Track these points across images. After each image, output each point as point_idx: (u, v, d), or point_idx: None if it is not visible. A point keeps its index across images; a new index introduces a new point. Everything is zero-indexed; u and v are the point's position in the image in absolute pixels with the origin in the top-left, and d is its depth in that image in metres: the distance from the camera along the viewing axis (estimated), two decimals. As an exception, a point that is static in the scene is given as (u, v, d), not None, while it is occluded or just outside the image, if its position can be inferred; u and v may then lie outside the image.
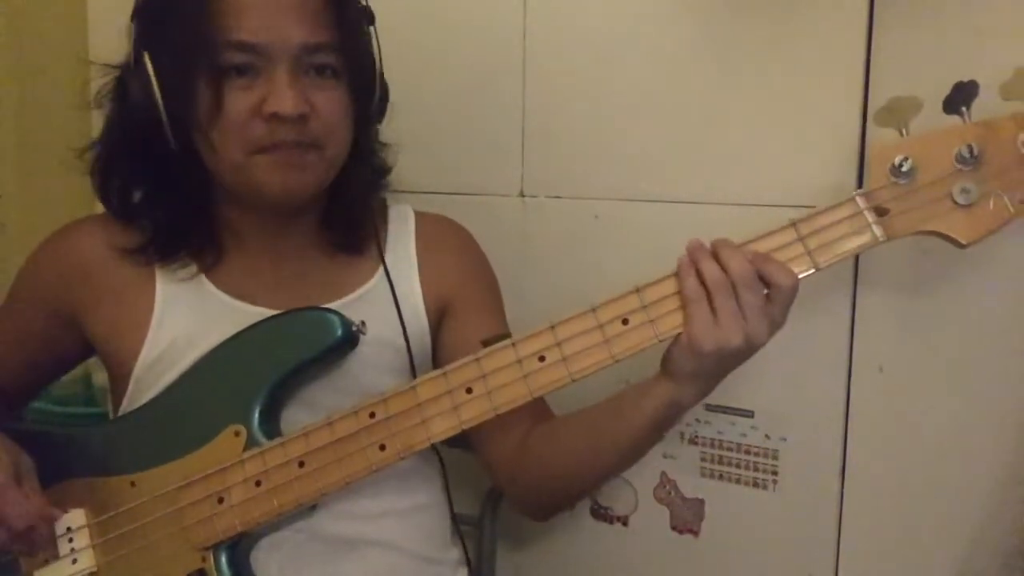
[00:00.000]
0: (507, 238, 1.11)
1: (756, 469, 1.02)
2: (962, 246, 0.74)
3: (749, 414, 1.02)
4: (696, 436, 1.05)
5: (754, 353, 0.75)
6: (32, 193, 1.30)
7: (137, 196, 0.90)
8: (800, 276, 0.74)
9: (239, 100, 0.79)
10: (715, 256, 0.74)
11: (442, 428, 0.78)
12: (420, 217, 0.98)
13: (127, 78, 0.84)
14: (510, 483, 0.93)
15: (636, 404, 0.79)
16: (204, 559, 0.81)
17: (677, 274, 0.75)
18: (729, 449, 1.03)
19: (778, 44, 0.95)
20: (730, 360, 0.75)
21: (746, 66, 0.97)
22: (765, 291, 0.73)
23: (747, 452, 1.02)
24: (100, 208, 0.93)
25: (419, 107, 1.15)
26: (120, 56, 0.86)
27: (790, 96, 0.95)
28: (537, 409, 0.90)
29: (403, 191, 1.00)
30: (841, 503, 0.98)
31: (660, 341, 0.75)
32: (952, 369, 0.91)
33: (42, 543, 0.83)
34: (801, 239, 0.74)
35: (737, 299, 0.72)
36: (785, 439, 1.00)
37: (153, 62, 0.80)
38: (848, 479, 0.97)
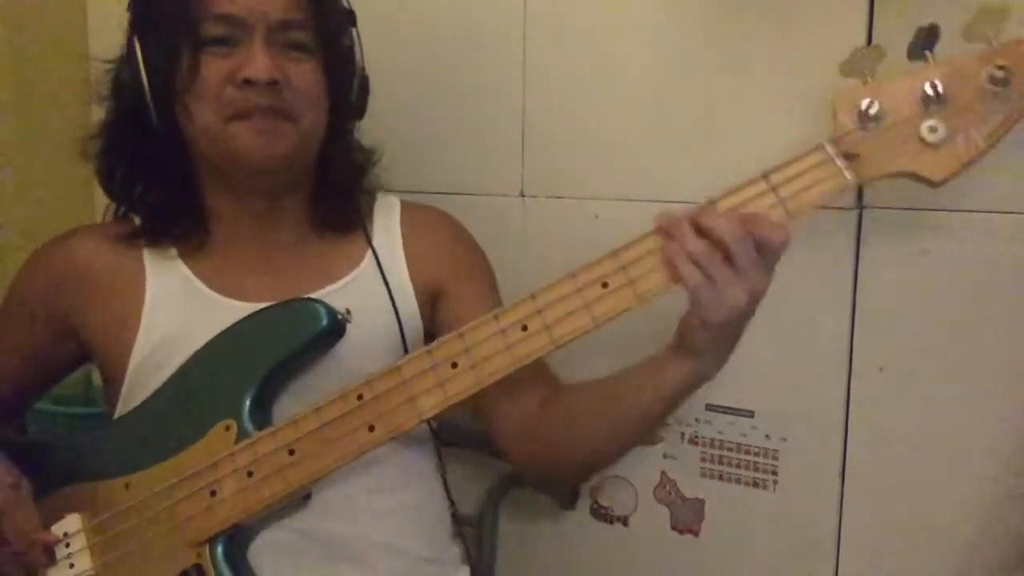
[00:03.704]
0: (507, 238, 1.12)
1: (756, 469, 1.02)
2: (934, 184, 0.73)
3: (749, 414, 1.01)
4: (696, 436, 1.05)
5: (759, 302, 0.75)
6: (31, 192, 1.30)
7: (139, 189, 0.92)
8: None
9: (215, 67, 0.83)
10: (698, 227, 0.73)
11: (429, 404, 0.78)
12: (406, 206, 1.00)
13: (121, 67, 0.88)
14: (522, 457, 0.93)
15: (657, 380, 0.80)
16: (199, 554, 0.81)
17: (669, 263, 0.74)
18: (729, 449, 1.03)
19: (779, 45, 0.95)
20: (743, 319, 0.75)
21: (746, 66, 0.97)
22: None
23: (747, 452, 1.02)
24: (99, 208, 0.93)
25: (419, 107, 1.15)
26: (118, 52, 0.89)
27: (791, 96, 0.95)
28: (545, 381, 0.91)
29: (403, 191, 1.01)
30: (841, 503, 0.97)
31: (640, 303, 0.75)
32: (952, 369, 0.91)
33: (39, 565, 0.84)
34: (773, 189, 0.74)
35: (732, 260, 0.72)
36: (785, 439, 1.00)
37: (141, 44, 0.85)
38: (848, 479, 0.97)
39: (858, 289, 0.94)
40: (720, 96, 0.99)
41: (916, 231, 0.90)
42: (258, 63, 0.82)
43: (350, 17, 0.92)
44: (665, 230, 0.74)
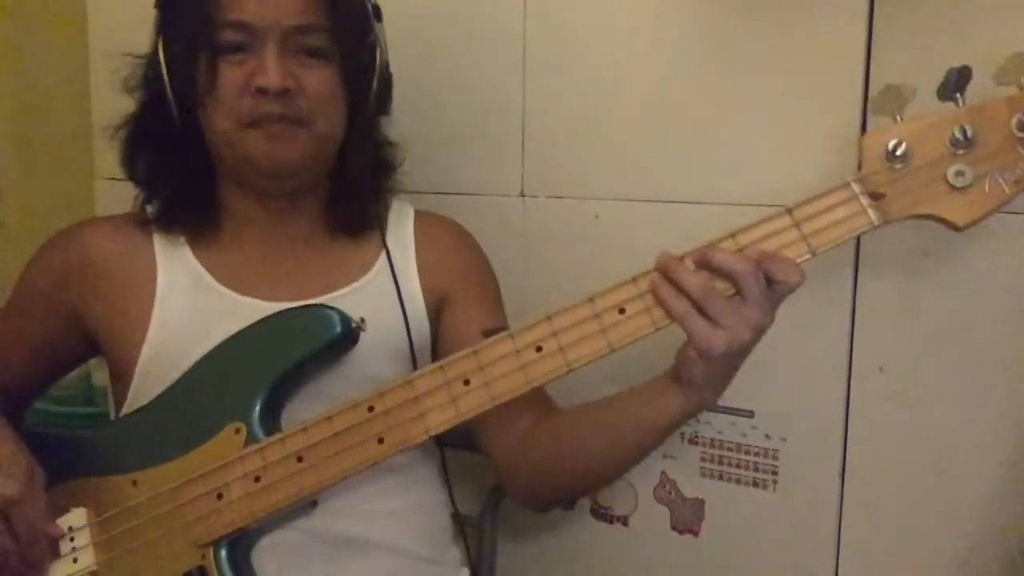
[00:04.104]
0: (507, 238, 1.11)
1: (756, 469, 1.02)
2: (958, 228, 0.74)
3: (749, 414, 1.02)
4: (696, 436, 1.05)
5: (763, 335, 0.75)
6: (32, 191, 1.30)
7: (159, 178, 0.93)
8: (797, 262, 0.74)
9: (231, 75, 0.83)
10: (706, 263, 0.73)
11: (440, 420, 0.78)
12: (419, 214, 1.00)
13: (148, 63, 0.89)
14: (513, 476, 0.93)
15: (653, 410, 0.80)
16: (204, 556, 0.81)
17: (655, 294, 0.74)
18: (729, 449, 1.03)
19: (778, 44, 0.95)
20: (743, 352, 0.75)
21: (746, 66, 0.97)
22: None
23: (747, 452, 1.02)
24: (99, 206, 0.93)
25: (419, 107, 1.15)
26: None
27: (790, 95, 0.95)
28: (540, 401, 0.90)
29: (403, 191, 1.00)
30: (841, 503, 0.98)
31: (657, 329, 0.75)
32: (952, 369, 0.91)
33: (41, 557, 0.83)
34: (796, 224, 0.74)
35: (741, 294, 0.72)
36: (785, 439, 1.00)
37: (165, 46, 0.86)
38: (848, 479, 0.97)
39: (858, 289, 0.95)
40: (720, 96, 0.99)
41: (916, 231, 0.89)
42: (269, 72, 0.82)
43: (375, 12, 0.91)
44: (663, 266, 0.74)
